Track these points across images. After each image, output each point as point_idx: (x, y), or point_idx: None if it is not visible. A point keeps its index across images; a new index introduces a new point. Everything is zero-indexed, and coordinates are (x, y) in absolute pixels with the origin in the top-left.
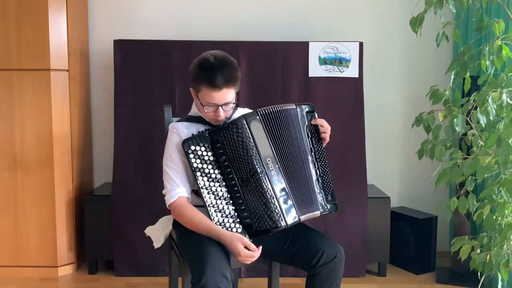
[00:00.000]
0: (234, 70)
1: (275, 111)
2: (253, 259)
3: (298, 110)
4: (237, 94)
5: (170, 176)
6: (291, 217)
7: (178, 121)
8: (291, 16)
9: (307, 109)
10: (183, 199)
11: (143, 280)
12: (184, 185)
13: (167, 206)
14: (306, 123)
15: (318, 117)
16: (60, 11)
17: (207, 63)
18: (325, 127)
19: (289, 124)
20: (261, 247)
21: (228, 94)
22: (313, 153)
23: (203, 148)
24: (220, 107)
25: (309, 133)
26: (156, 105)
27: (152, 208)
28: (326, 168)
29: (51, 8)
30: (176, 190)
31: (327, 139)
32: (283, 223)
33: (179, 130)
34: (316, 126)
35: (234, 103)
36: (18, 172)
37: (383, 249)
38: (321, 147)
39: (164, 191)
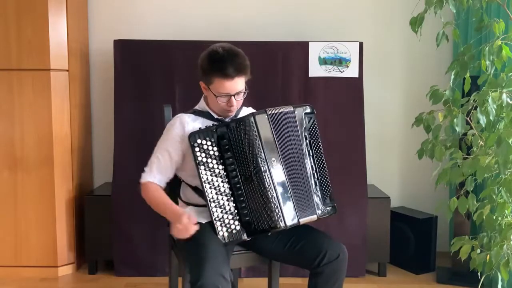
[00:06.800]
0: (243, 59)
1: (281, 112)
2: (187, 233)
3: (296, 112)
4: (246, 83)
5: (154, 163)
6: (291, 219)
7: (185, 112)
8: (291, 16)
9: (305, 111)
10: (154, 184)
11: (143, 280)
12: (162, 174)
13: (140, 182)
14: (304, 125)
15: (318, 117)
16: (60, 11)
17: (217, 54)
18: None
19: (291, 126)
20: (198, 226)
21: (240, 83)
22: (311, 156)
23: (209, 143)
24: (232, 97)
25: (307, 135)
26: (156, 105)
27: (152, 208)
28: (325, 171)
29: (51, 8)
30: (150, 178)
31: None
32: (282, 224)
33: (185, 122)
34: (315, 128)
35: (245, 92)
36: (18, 172)
37: (383, 249)
38: (320, 149)
39: (145, 169)
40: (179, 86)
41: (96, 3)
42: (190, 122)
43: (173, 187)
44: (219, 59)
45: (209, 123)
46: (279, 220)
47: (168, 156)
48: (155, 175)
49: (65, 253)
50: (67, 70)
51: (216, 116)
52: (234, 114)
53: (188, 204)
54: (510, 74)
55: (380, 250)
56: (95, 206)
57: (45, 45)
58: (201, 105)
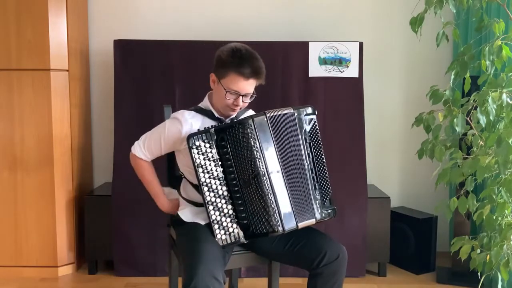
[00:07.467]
0: (262, 65)
1: (280, 114)
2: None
3: (295, 114)
4: (256, 88)
5: (146, 143)
6: (289, 224)
7: (187, 109)
8: (291, 16)
9: (306, 112)
10: (143, 161)
11: (143, 280)
12: (151, 155)
13: (131, 150)
14: (305, 128)
15: (318, 117)
16: (60, 11)
17: (239, 52)
18: None
19: (290, 129)
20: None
21: (252, 86)
22: (310, 159)
23: (207, 145)
24: (240, 97)
25: (307, 137)
26: (156, 105)
27: (152, 208)
28: (325, 174)
29: (51, 8)
30: (140, 154)
31: None
32: (280, 229)
33: (183, 120)
34: (315, 130)
35: (252, 95)
36: (18, 172)
37: (383, 249)
38: (320, 152)
39: (136, 142)
40: (179, 86)
41: (96, 3)
42: (188, 119)
43: (174, 184)
44: (241, 56)
45: (209, 121)
46: (277, 224)
47: (159, 146)
48: (145, 154)
49: (65, 253)
50: (67, 70)
51: (217, 115)
52: (235, 115)
53: (188, 201)
54: (510, 74)
55: (380, 250)
56: (95, 206)
57: (45, 45)
58: (205, 103)
